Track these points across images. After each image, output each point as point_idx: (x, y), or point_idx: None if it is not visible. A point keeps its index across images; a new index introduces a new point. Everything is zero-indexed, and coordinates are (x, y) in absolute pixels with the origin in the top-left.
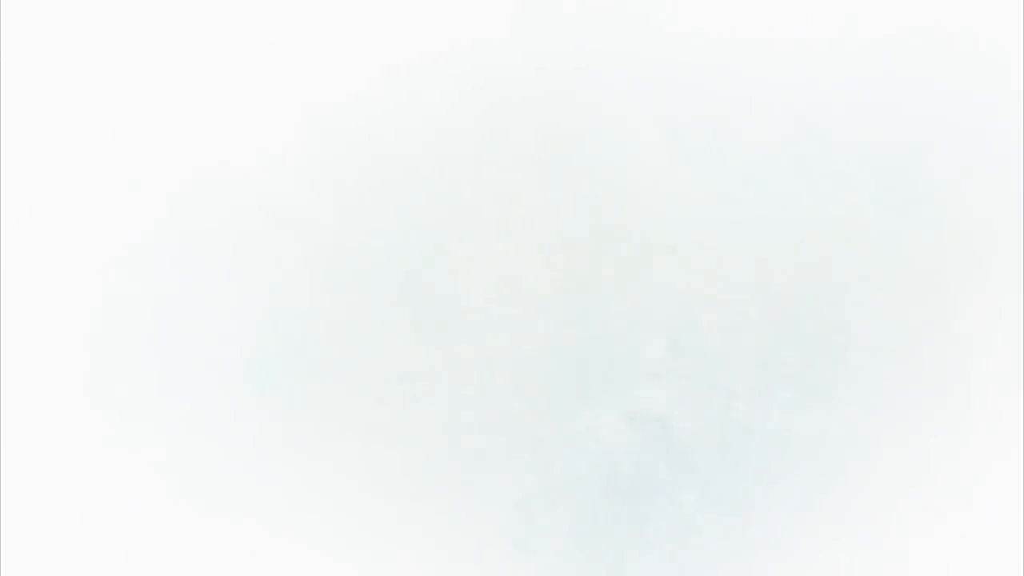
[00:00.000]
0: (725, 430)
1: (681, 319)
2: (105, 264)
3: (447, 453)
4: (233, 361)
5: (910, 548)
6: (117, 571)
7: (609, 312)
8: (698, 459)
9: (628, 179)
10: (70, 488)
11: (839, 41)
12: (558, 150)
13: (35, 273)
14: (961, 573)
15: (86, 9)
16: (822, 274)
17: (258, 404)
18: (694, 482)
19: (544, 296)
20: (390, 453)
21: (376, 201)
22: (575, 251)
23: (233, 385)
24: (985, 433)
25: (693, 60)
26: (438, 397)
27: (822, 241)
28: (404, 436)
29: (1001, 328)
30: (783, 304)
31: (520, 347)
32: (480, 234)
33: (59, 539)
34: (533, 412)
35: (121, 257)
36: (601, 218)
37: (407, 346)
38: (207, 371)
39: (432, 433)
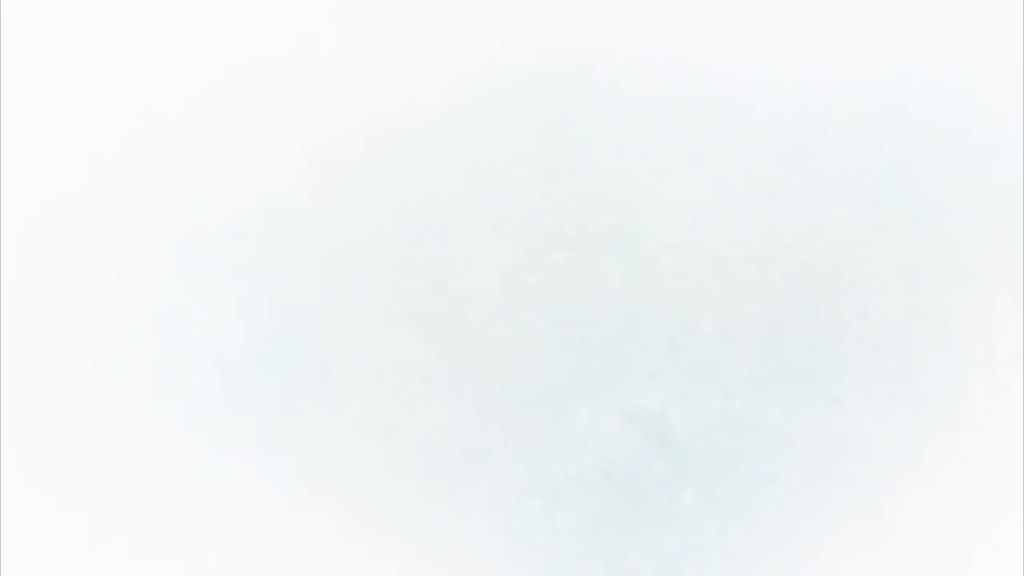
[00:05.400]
0: (723, 429)
1: (680, 318)
2: (106, 263)
3: (444, 451)
4: (232, 358)
5: (910, 548)
6: (114, 567)
7: (607, 310)
8: (696, 458)
9: (627, 178)
10: (68, 485)
11: (839, 41)
12: (557, 149)
13: (34, 272)
14: (962, 573)
15: (87, 10)
16: (822, 273)
17: (256, 400)
18: (693, 480)
19: (542, 293)
20: (387, 450)
21: (374, 199)
22: (573, 249)
23: (231, 381)
24: (986, 433)
25: (693, 61)
26: (436, 395)
27: (822, 240)
28: (401, 433)
29: (1002, 326)
30: (782, 303)
31: (518, 345)
32: (478, 231)
33: (57, 536)
34: (531, 410)
35: (121, 255)
36: (600, 216)
37: (405, 344)
38: (207, 368)
39: (429, 431)
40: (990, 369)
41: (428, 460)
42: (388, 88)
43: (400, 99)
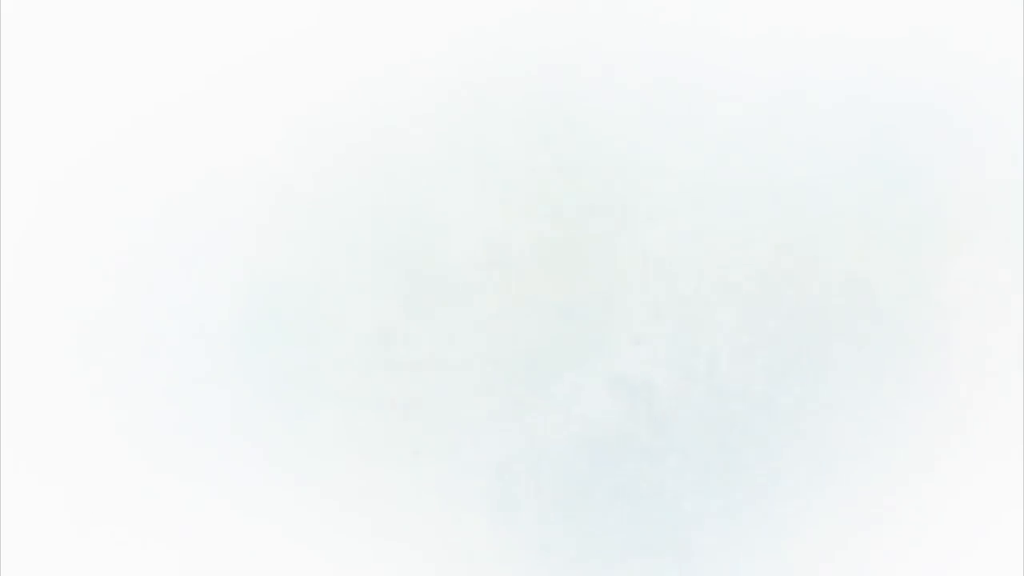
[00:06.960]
0: (707, 395)
1: (663, 285)
2: (86, 238)
3: (428, 418)
4: (215, 328)
5: (897, 515)
6: (97, 549)
7: (591, 277)
8: (680, 424)
9: (611, 148)
10: (42, 455)
11: (830, 24)
12: (541, 119)
13: (20, 249)
14: (950, 546)
15: (86, 10)
16: (807, 243)
17: (238, 371)
18: (676, 447)
19: (526, 261)
20: (370, 418)
21: (354, 166)
22: (558, 217)
23: (214, 351)
24: (975, 403)
25: (680, 40)
26: (419, 362)
27: (807, 211)
28: (384, 401)
29: (989, 294)
30: (767, 271)
31: (501, 312)
32: (462, 199)
33: (30, 507)
34: (515, 377)
35: (100, 228)
36: (584, 185)
37: (387, 311)
38: (190, 338)
39: (412, 398)
40: (982, 337)
41: (410, 427)
42: (372, 64)
43: (384, 74)
